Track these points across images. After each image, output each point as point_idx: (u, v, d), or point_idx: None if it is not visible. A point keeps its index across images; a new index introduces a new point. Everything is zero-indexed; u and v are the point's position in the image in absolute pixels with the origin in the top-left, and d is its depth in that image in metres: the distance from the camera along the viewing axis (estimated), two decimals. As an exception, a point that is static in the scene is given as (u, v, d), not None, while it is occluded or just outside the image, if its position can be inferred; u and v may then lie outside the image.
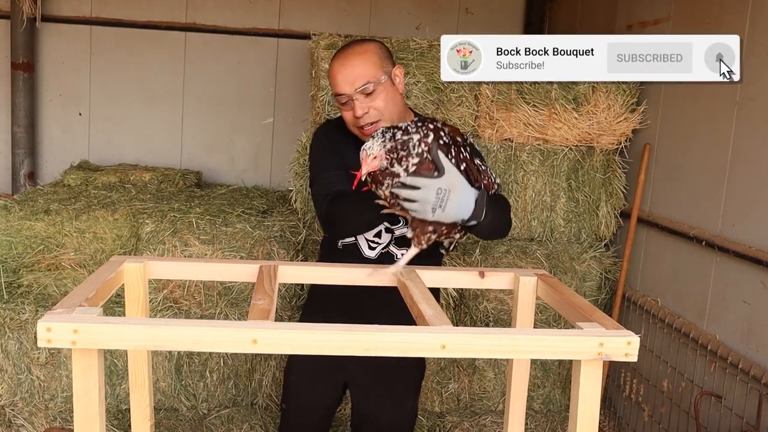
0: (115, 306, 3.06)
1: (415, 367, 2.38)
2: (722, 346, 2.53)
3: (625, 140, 3.34)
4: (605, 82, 3.24)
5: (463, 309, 3.38)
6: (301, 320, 2.53)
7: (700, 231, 2.76)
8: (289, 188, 3.34)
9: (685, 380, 2.76)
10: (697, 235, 2.76)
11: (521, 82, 3.21)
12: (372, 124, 2.07)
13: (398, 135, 1.72)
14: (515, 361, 1.86)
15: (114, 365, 3.16)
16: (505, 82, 3.23)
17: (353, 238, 2.20)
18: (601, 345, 1.39)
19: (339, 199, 2.02)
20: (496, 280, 1.89)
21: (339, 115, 2.21)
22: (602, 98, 3.27)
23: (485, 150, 3.33)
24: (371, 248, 2.21)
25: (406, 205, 1.73)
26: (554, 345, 1.38)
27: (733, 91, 2.60)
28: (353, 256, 2.19)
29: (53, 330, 1.24)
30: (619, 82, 3.24)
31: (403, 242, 2.18)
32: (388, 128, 1.75)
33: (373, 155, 1.68)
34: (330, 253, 2.26)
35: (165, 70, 4.50)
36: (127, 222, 3.20)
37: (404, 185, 1.72)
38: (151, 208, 3.29)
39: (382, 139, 1.70)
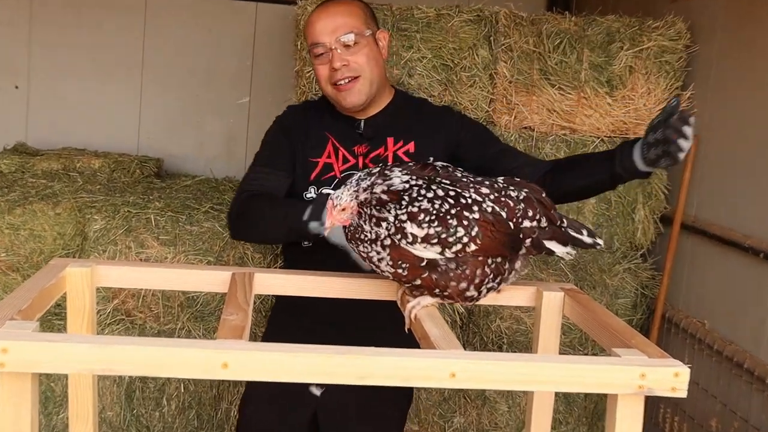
0: (54, 319, 3.02)
1: (402, 395, 2.36)
2: (783, 379, 2.51)
3: (669, 131, 3.32)
4: (645, 62, 3.23)
5: (472, 328, 3.36)
6: (266, 337, 2.51)
7: (758, 240, 2.75)
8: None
9: (738, 419, 2.75)
10: (754, 245, 2.74)
11: (546, 61, 3.20)
12: (350, 81, 2.18)
13: (378, 188, 1.58)
14: (536, 393, 1.84)
15: (50, 390, 3.13)
16: (527, 60, 3.21)
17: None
18: (642, 377, 1.36)
19: (256, 199, 2.12)
20: (515, 295, 1.87)
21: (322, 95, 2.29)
22: (641, 81, 3.25)
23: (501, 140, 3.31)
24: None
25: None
26: (586, 376, 1.35)
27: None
28: (325, 256, 2.18)
29: (-23, 349, 1.20)
30: (662, 62, 3.23)
31: None
32: (369, 174, 1.63)
33: (341, 206, 1.63)
34: (295, 256, 2.31)
35: (121, 37, 4.46)
36: (71, 217, 3.16)
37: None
38: (100, 202, 3.26)
39: (356, 188, 1.63)
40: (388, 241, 1.56)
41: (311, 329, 2.27)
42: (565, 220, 1.68)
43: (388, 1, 3.35)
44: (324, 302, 1.97)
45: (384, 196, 1.57)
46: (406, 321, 1.64)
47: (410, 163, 1.65)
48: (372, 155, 2.27)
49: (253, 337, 3.29)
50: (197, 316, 3.20)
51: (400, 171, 1.61)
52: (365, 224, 1.59)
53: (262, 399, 2.27)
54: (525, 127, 3.32)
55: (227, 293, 1.64)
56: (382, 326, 2.21)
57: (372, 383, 1.30)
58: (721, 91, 3.12)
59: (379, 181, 1.60)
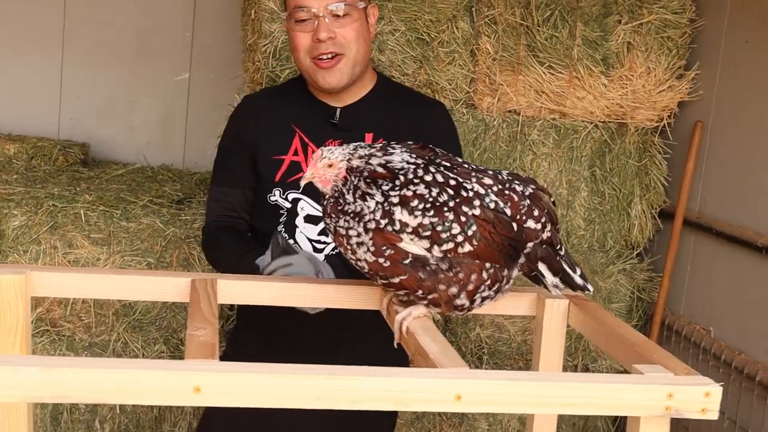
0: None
1: (386, 416, 2.35)
2: (801, 393, 2.56)
3: (669, 116, 3.36)
4: (645, 37, 3.25)
5: (448, 337, 3.36)
6: (226, 356, 2.46)
7: (771, 239, 2.80)
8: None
9: (748, 438, 2.79)
10: (766, 244, 2.78)
11: (534, 35, 3.20)
12: (333, 57, 2.15)
13: (375, 160, 1.56)
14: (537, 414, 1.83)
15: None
16: (514, 35, 3.21)
17: (291, 241, 2.20)
18: (669, 397, 1.37)
19: (217, 239, 2.24)
20: (512, 303, 1.85)
21: (285, 79, 2.22)
22: (640, 59, 3.28)
23: (483, 124, 3.31)
24: (317, 250, 2.21)
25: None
26: (609, 397, 1.35)
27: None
28: None
29: None
30: (664, 38, 3.26)
31: None
32: (370, 146, 1.61)
33: (327, 162, 1.59)
34: None
35: (37, 5, 4.34)
36: (-16, 213, 3.08)
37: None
38: (19, 194, 3.19)
39: (351, 151, 1.60)
40: (372, 225, 1.52)
41: (282, 350, 2.23)
42: (563, 249, 1.68)
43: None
44: (294, 313, 1.96)
45: (380, 169, 1.54)
46: (396, 334, 1.62)
47: (411, 143, 1.62)
48: None
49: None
50: (135, 326, 3.16)
51: (401, 150, 1.58)
52: (347, 193, 1.55)
53: (225, 426, 2.23)
54: (510, 111, 3.32)
55: (190, 304, 1.59)
56: (361, 339, 2.19)
57: (366, 407, 1.28)
58: (731, 70, 3.16)
59: (379, 154, 1.57)
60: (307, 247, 2.21)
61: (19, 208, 3.09)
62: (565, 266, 1.69)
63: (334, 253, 2.19)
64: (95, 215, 3.12)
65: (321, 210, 2.12)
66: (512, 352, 3.43)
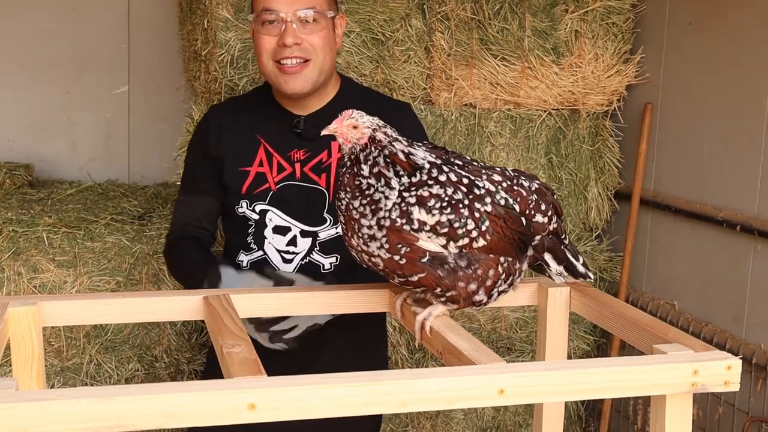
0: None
1: (370, 417, 2.36)
2: (772, 357, 2.66)
3: (618, 100, 3.45)
4: (591, 25, 3.33)
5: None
6: (206, 373, 2.47)
7: (731, 212, 2.89)
8: (176, 181, 3.23)
9: (723, 405, 2.89)
10: (727, 218, 2.88)
11: (486, 29, 3.24)
12: (298, 64, 2.13)
13: (399, 145, 1.58)
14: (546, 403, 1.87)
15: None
16: (466, 30, 3.25)
17: (260, 252, 2.22)
18: (695, 373, 1.42)
19: (176, 253, 2.28)
20: (514, 294, 1.87)
21: (244, 87, 2.21)
22: (588, 46, 3.35)
23: (441, 119, 3.34)
24: (286, 261, 2.21)
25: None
26: (639, 379, 1.40)
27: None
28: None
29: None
30: (609, 24, 3.34)
31: (331, 248, 2.19)
32: (393, 128, 1.63)
33: (353, 122, 1.60)
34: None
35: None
36: (-57, 243, 2.99)
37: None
38: (-25, 221, 3.10)
39: (380, 124, 1.62)
40: (387, 222, 1.53)
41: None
42: (567, 238, 1.73)
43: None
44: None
45: (401, 156, 1.55)
46: (417, 334, 1.64)
47: (428, 143, 1.65)
48: (312, 163, 2.20)
49: (175, 365, 3.21)
50: (108, 347, 3.11)
51: (425, 150, 1.60)
52: (365, 164, 1.56)
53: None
54: (466, 104, 3.36)
55: (209, 321, 1.59)
56: (337, 342, 2.21)
57: (414, 410, 1.30)
58: (676, 52, 3.25)
59: (405, 142, 1.59)
60: (276, 258, 2.21)
61: (-22, 235, 3.01)
62: (569, 255, 1.73)
63: (304, 263, 2.20)
64: (58, 237, 3.06)
65: (289, 221, 2.21)
66: (483, 340, 3.47)
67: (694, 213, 3.08)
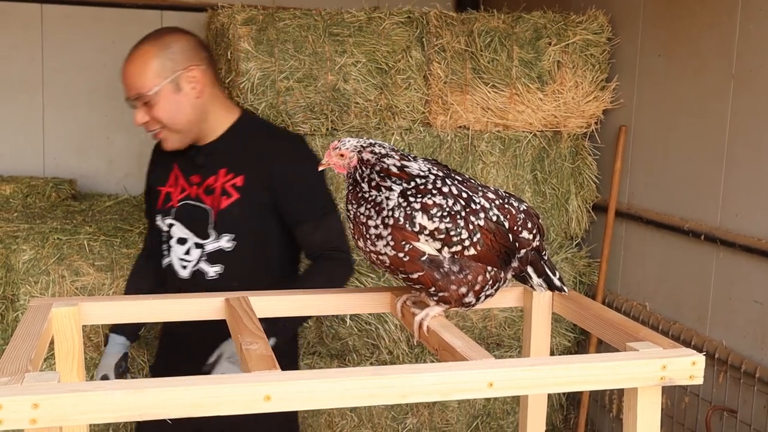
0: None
1: (282, 414, 2.27)
2: (732, 353, 2.65)
3: (596, 122, 3.45)
4: (571, 56, 3.33)
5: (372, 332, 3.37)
6: (153, 373, 2.62)
7: (696, 223, 2.89)
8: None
9: (688, 394, 2.88)
10: (693, 228, 2.88)
11: (478, 59, 3.25)
12: (160, 130, 2.23)
13: (389, 160, 1.55)
14: (531, 395, 1.87)
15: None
16: (460, 60, 3.25)
17: (170, 257, 2.33)
18: (663, 368, 1.41)
19: (135, 266, 2.55)
20: (501, 296, 1.87)
21: (263, 111, 2.34)
22: (569, 74, 3.35)
23: (438, 140, 3.34)
24: (183, 267, 2.30)
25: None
26: (613, 373, 1.39)
27: (728, 64, 2.73)
28: (172, 279, 2.32)
29: (5, 407, 1.12)
30: (587, 55, 3.34)
31: (215, 258, 2.26)
32: (392, 149, 1.59)
33: (339, 152, 1.60)
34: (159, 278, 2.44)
35: (17, 52, 4.24)
36: (-7, 249, 3.00)
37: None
38: (24, 230, 3.10)
39: (364, 144, 1.60)
40: (391, 221, 1.52)
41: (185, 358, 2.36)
42: (546, 255, 1.73)
43: (318, 5, 3.32)
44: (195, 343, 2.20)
45: (394, 169, 1.53)
46: (415, 333, 1.64)
47: (431, 159, 1.65)
48: (204, 185, 2.27)
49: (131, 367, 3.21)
50: (140, 342, 3.10)
51: (422, 161, 1.59)
52: (362, 182, 1.55)
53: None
54: (460, 126, 3.36)
55: (230, 321, 1.59)
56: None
57: (413, 401, 1.30)
58: (647, 80, 3.25)
59: (396, 157, 1.56)
60: (177, 264, 2.31)
61: (27, 243, 3.00)
62: (548, 270, 1.74)
63: (195, 270, 2.28)
64: (97, 244, 3.06)
65: (187, 234, 2.30)
66: (474, 338, 3.47)
67: (664, 224, 3.08)
